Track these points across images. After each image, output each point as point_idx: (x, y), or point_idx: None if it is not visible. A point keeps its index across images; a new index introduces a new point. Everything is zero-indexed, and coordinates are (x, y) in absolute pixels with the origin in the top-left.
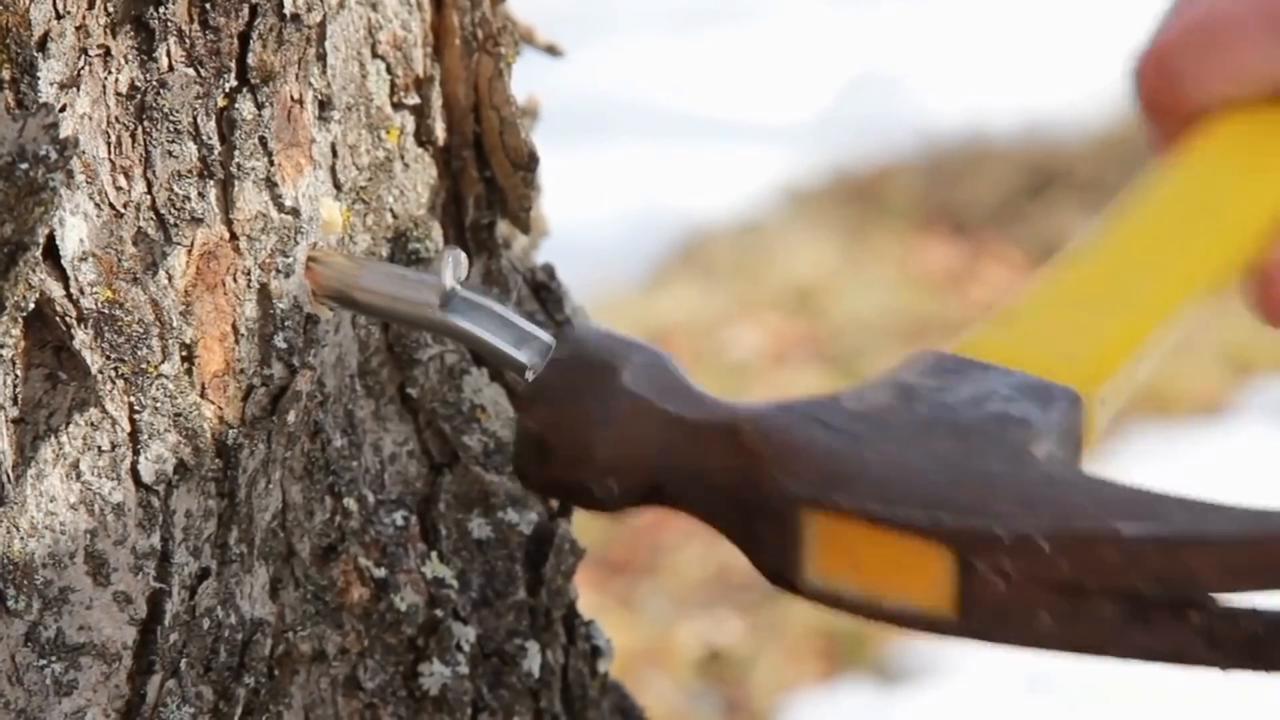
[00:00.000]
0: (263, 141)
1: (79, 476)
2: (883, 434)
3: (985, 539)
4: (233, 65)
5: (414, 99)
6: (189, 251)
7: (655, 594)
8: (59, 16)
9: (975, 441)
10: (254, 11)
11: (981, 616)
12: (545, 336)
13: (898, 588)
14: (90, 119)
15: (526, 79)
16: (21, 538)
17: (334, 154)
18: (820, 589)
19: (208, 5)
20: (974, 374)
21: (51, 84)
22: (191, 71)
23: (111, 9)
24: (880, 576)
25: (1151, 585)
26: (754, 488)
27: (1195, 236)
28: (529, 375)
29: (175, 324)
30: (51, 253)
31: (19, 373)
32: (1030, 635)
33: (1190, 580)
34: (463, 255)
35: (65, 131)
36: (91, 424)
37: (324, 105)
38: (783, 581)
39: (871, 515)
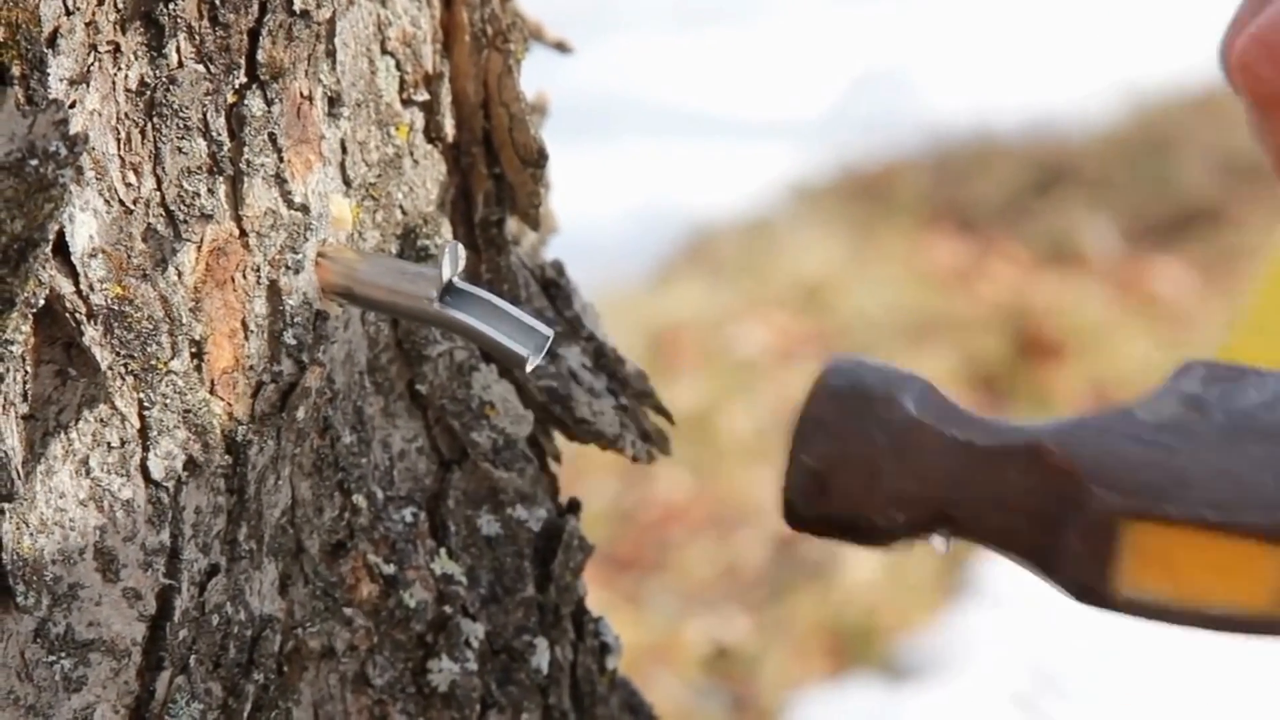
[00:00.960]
0: (272, 138)
1: (89, 473)
2: (1193, 442)
3: None
4: (242, 62)
5: (423, 95)
6: (198, 248)
7: (662, 591)
8: (69, 13)
9: None
10: (264, 8)
11: None
12: (543, 329)
13: (1220, 592)
14: (100, 115)
15: (535, 76)
16: (31, 534)
17: (343, 150)
18: (1135, 600)
19: (217, 2)
20: (1253, 380)
21: (61, 80)
22: (201, 68)
23: (121, 5)
24: (1201, 583)
25: None
26: (1064, 505)
27: None
28: (528, 368)
29: (185, 320)
30: (61, 249)
31: (29, 369)
32: None
33: None
34: (461, 249)
35: (75, 128)
36: (101, 420)
37: (333, 102)
38: (1093, 595)
39: (1207, 523)
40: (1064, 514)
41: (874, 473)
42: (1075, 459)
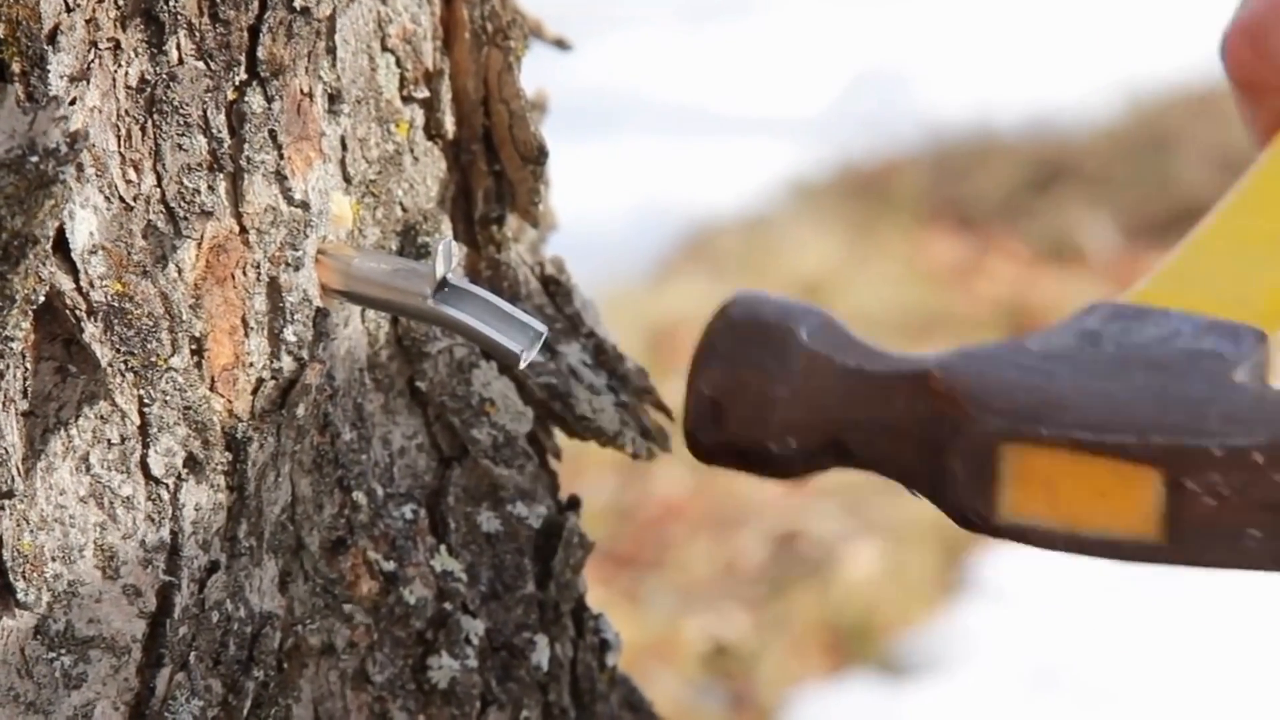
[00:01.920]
0: (272, 135)
1: (89, 469)
2: (1077, 369)
3: (1197, 457)
4: (242, 58)
5: (423, 92)
6: (199, 245)
7: (661, 589)
8: (69, 10)
9: (1174, 370)
10: (264, 5)
11: (1189, 538)
12: (537, 325)
13: (1098, 516)
14: (100, 112)
15: (535, 73)
16: (31, 531)
17: (344, 147)
18: (1016, 525)
19: None
20: (1155, 318)
21: (61, 77)
22: (201, 65)
23: (122, 2)
24: (1079, 507)
25: None
26: (947, 430)
27: None
28: (522, 363)
29: (185, 317)
30: (61, 246)
31: (29, 365)
32: (1239, 554)
33: None
34: (455, 245)
35: (75, 125)
36: (101, 417)
37: (334, 99)
38: (975, 521)
39: (1080, 442)
40: (947, 439)
41: (767, 400)
42: (957, 384)
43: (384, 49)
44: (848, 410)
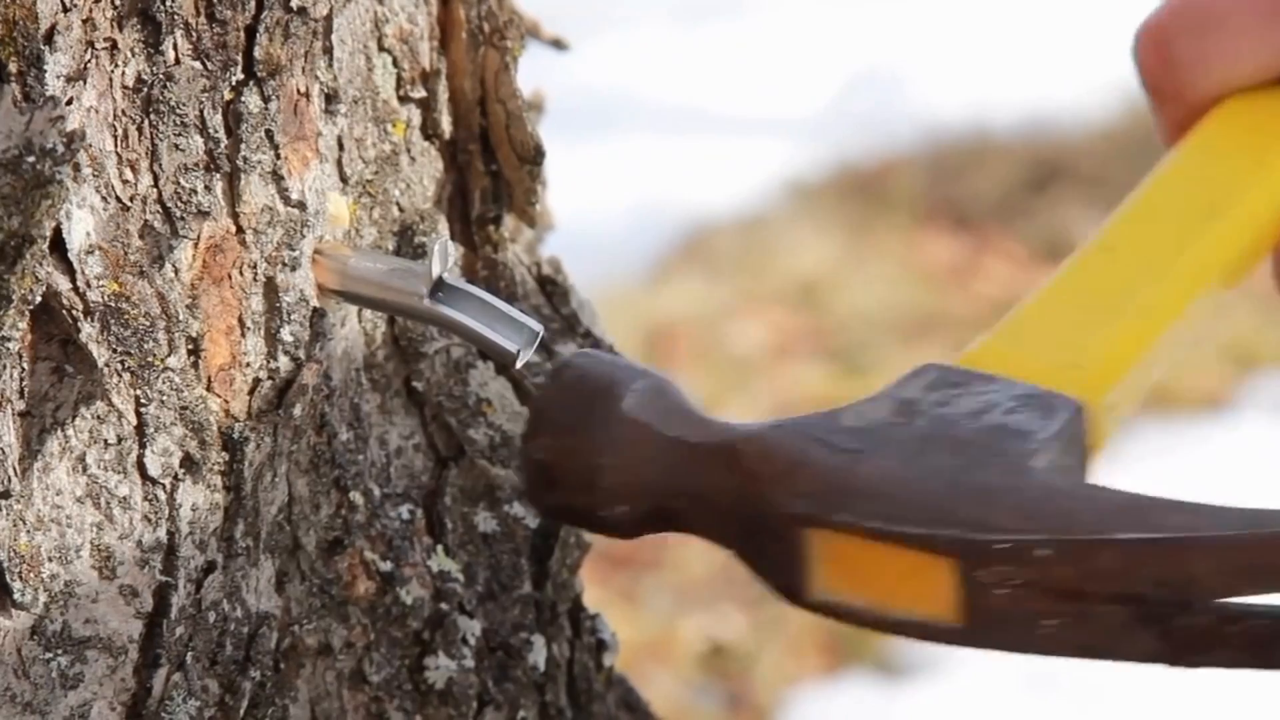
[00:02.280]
0: (269, 135)
1: (85, 470)
2: (881, 450)
3: (985, 551)
4: (239, 58)
5: (420, 92)
6: (195, 245)
7: (658, 589)
8: (66, 9)
9: (974, 454)
10: (260, 4)
11: (986, 624)
12: (533, 324)
13: (903, 599)
14: (97, 112)
15: (532, 73)
16: (28, 531)
17: (340, 147)
18: (827, 603)
19: None
20: (976, 386)
21: (58, 77)
22: (198, 65)
23: (118, 2)
24: (885, 589)
25: (1154, 589)
26: (755, 507)
27: (1204, 229)
28: (518, 363)
29: (181, 317)
30: (58, 246)
31: (25, 366)
32: (1036, 641)
33: (1190, 583)
34: (451, 245)
35: (72, 125)
36: (98, 417)
37: (330, 99)
38: (791, 596)
39: (872, 531)
40: (758, 516)
41: (593, 468)
42: (762, 462)
43: (381, 49)
44: (669, 480)
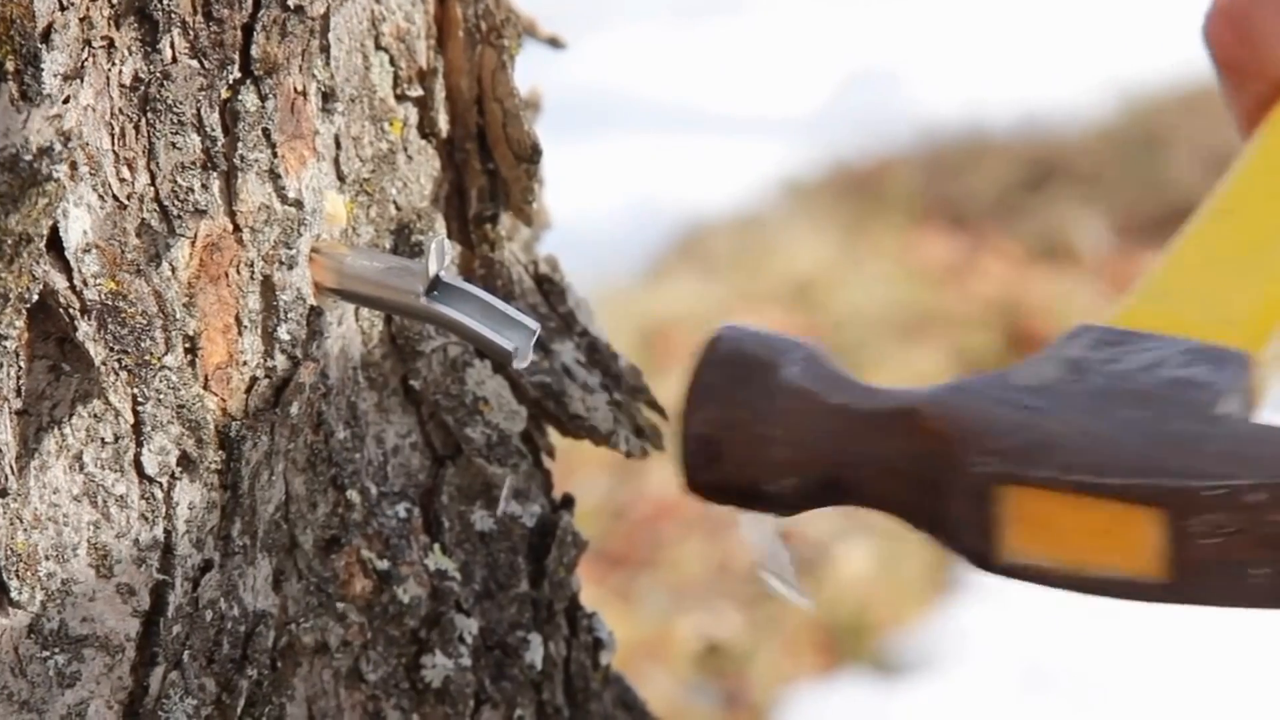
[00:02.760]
0: (266, 133)
1: (82, 468)
2: (1066, 406)
3: (1195, 498)
4: (236, 57)
5: (417, 91)
6: (192, 243)
7: (654, 588)
8: (63, 8)
9: (1160, 406)
10: (258, 3)
11: (1193, 578)
12: (530, 323)
13: (1102, 556)
14: (94, 111)
15: (529, 71)
16: (25, 529)
17: (337, 146)
18: (1020, 565)
19: None
20: (1139, 343)
21: (55, 76)
22: (195, 63)
23: (115, 1)
24: (1082, 547)
25: None
26: (942, 470)
27: None
28: (515, 361)
29: (178, 316)
30: (55, 244)
31: (22, 364)
32: (1244, 592)
33: None
34: (448, 243)
35: (69, 123)
36: (95, 416)
37: (327, 97)
38: (980, 560)
39: (1074, 485)
40: (944, 479)
41: (760, 439)
42: (949, 424)
43: (378, 47)
44: (841, 449)
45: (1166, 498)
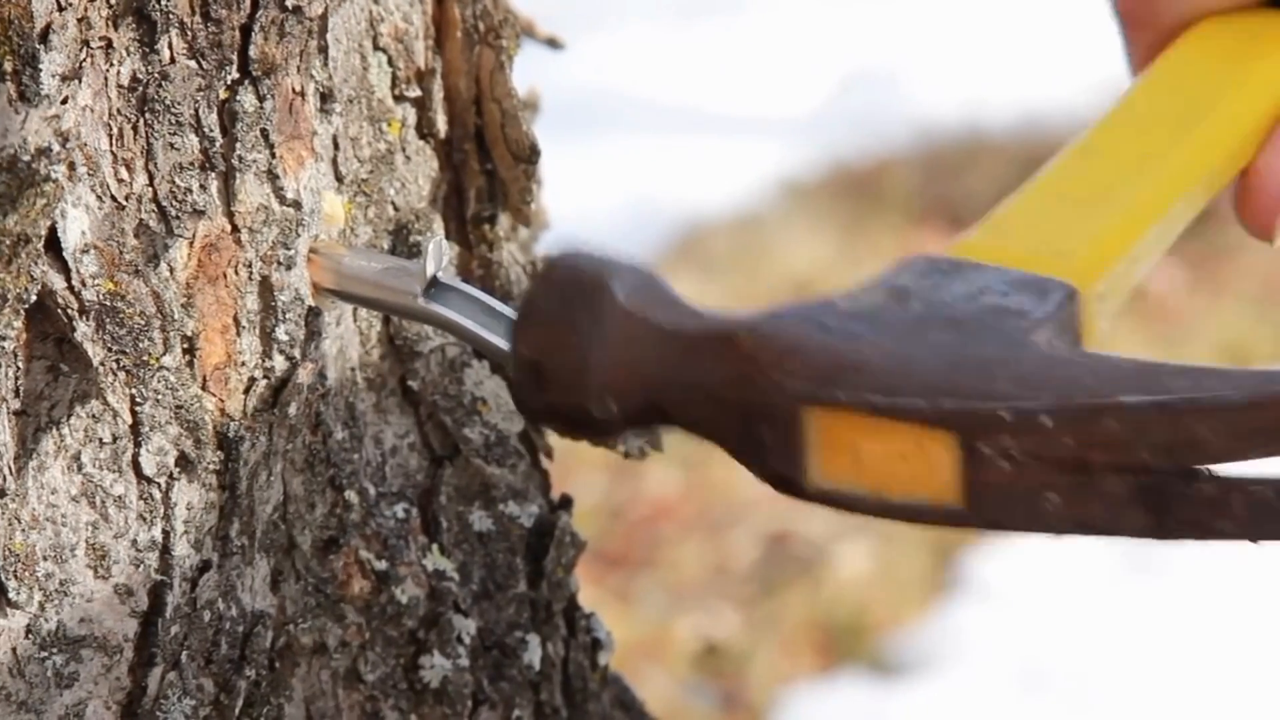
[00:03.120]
0: (264, 134)
1: (80, 468)
2: (879, 330)
3: (987, 421)
4: (234, 57)
5: (415, 91)
6: (190, 244)
7: (652, 588)
8: (61, 9)
9: (972, 331)
10: (256, 3)
11: (989, 502)
12: None
13: (903, 481)
14: (92, 111)
15: (527, 71)
16: (23, 530)
17: (336, 146)
18: (827, 490)
19: None
20: (968, 273)
21: (53, 76)
22: (193, 64)
23: (114, 1)
24: (885, 472)
25: (1157, 456)
26: (753, 392)
27: (1184, 136)
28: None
29: (177, 316)
30: (53, 245)
31: (20, 365)
32: (1038, 518)
33: (1195, 448)
34: (445, 244)
35: (67, 124)
36: (93, 416)
37: (326, 97)
38: (789, 486)
39: (873, 406)
40: (753, 402)
41: (585, 361)
42: (760, 345)
43: (376, 48)
44: (662, 371)
45: (957, 420)
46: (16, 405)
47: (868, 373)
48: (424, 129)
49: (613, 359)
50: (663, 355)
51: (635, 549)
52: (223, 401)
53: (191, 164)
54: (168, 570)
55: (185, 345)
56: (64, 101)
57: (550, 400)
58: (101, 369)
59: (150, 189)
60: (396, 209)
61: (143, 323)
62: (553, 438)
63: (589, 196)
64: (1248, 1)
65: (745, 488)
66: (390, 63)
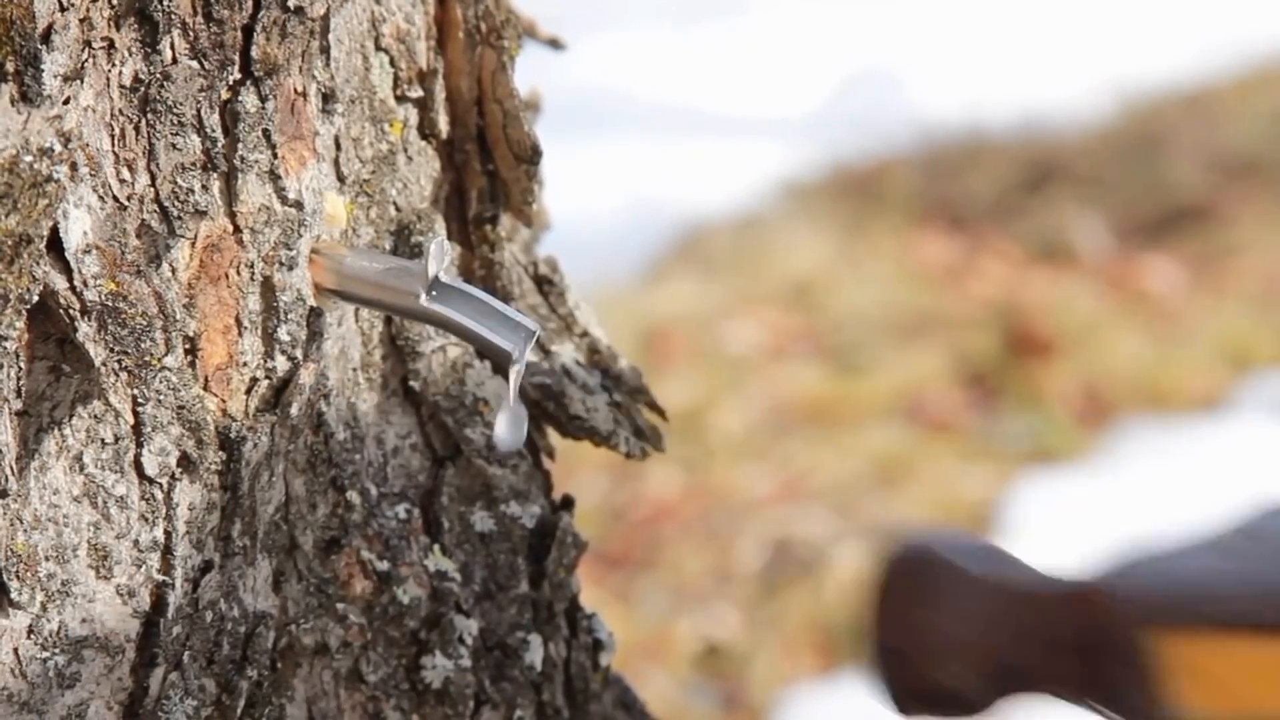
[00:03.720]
0: (266, 134)
1: (82, 469)
2: (1230, 559)
3: None
4: (236, 58)
5: (417, 92)
6: (192, 244)
7: (653, 589)
8: (63, 9)
9: None
10: (258, 4)
11: None
12: (530, 324)
13: (1273, 699)
14: (94, 111)
15: (529, 72)
16: (25, 530)
17: (337, 147)
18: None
19: None
20: None
21: (56, 76)
22: (195, 64)
23: (116, 2)
24: (1249, 692)
25: None
26: (1102, 634)
27: None
28: (514, 364)
29: (178, 317)
30: (55, 245)
31: (23, 365)
32: None
33: None
34: (447, 244)
35: (69, 124)
36: (95, 416)
37: (327, 98)
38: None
39: (1231, 625)
40: (1104, 643)
41: (951, 638)
42: (1106, 588)
43: (378, 48)
44: (1021, 635)
45: None
46: (19, 406)
47: (1224, 596)
48: (426, 129)
49: (973, 630)
50: (1020, 618)
51: (636, 550)
52: (225, 402)
53: (193, 164)
54: (169, 571)
55: (187, 346)
56: (66, 102)
57: (913, 682)
58: (103, 369)
59: (152, 189)
60: (398, 209)
61: (144, 323)
62: (553, 438)
63: (591, 197)
64: None
65: (746, 488)
66: (392, 63)
